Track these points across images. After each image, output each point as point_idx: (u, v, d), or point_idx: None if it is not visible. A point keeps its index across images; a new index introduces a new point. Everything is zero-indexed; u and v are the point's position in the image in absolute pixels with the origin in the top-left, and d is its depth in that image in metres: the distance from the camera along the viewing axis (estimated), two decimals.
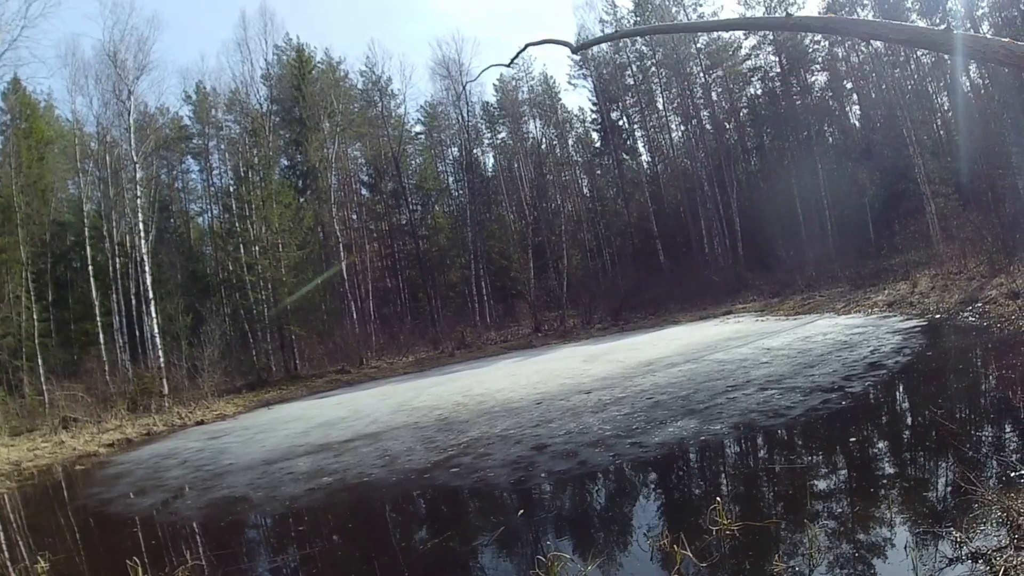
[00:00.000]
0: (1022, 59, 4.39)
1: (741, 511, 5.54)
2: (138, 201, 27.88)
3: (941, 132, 36.29)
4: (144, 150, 28.99)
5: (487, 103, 50.13)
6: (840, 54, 40.46)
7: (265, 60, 36.23)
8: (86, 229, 30.20)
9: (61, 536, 8.76)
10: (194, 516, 8.69)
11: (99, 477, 12.96)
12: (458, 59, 43.53)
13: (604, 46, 46.19)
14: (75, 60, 30.94)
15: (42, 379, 25.08)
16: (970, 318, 14.24)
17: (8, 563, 7.42)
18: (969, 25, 31.66)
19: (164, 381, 24.24)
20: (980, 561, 3.87)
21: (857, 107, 43.63)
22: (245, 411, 21.15)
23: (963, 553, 4.02)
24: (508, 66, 7.98)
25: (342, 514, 7.99)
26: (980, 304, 15.05)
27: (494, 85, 50.52)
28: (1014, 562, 3.68)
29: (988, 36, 4.51)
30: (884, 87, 36.69)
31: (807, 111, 40.73)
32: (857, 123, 43.19)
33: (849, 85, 42.23)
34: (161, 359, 25.23)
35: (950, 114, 36.50)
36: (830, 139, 42.75)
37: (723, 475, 7.33)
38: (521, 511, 6.79)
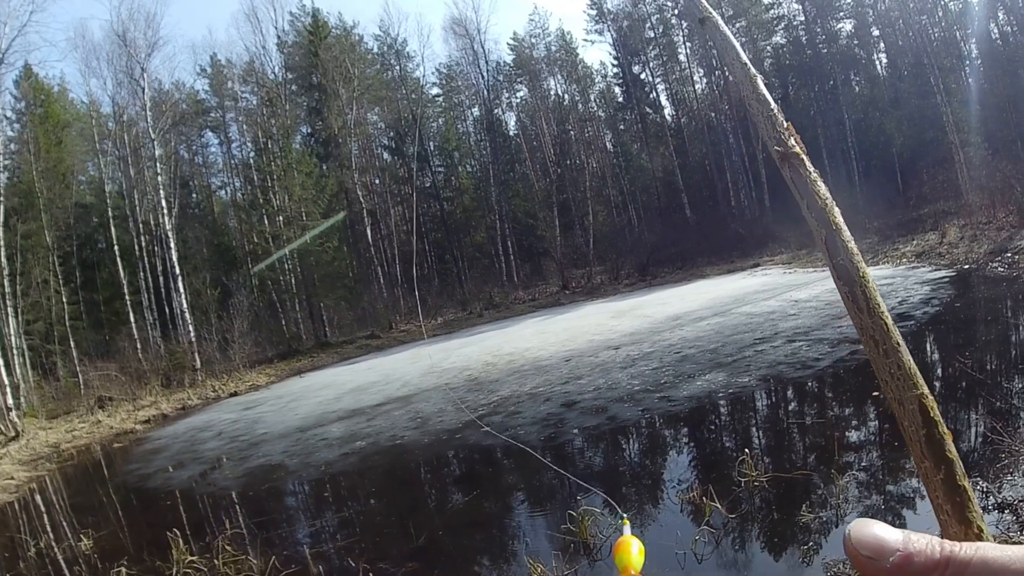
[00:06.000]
0: None
1: (770, 463, 5.58)
2: (159, 178, 27.98)
3: (969, 80, 35.36)
4: (162, 127, 29.04)
5: (504, 63, 49.13)
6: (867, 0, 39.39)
7: (275, 27, 36.07)
8: (109, 210, 30.30)
9: (103, 513, 8.99)
10: (232, 486, 8.92)
11: (137, 453, 13.27)
12: (475, 17, 42.95)
13: None
14: (85, 43, 31.35)
15: (75, 361, 25.46)
16: (999, 268, 14.03)
17: (53, 543, 7.65)
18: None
19: (196, 355, 24.56)
20: (1007, 511, 3.89)
21: (884, 55, 42.48)
22: (277, 380, 21.50)
23: (990, 503, 4.04)
24: None
25: (376, 477, 8.17)
26: (1009, 254, 14.80)
27: (508, 44, 49.79)
28: None
29: None
30: (911, 34, 35.75)
31: (832, 60, 39.80)
32: (884, 72, 42.13)
33: (876, 32, 41.02)
34: (192, 334, 25.54)
35: (978, 62, 35.55)
36: (856, 88, 41.83)
37: (752, 428, 7.37)
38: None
